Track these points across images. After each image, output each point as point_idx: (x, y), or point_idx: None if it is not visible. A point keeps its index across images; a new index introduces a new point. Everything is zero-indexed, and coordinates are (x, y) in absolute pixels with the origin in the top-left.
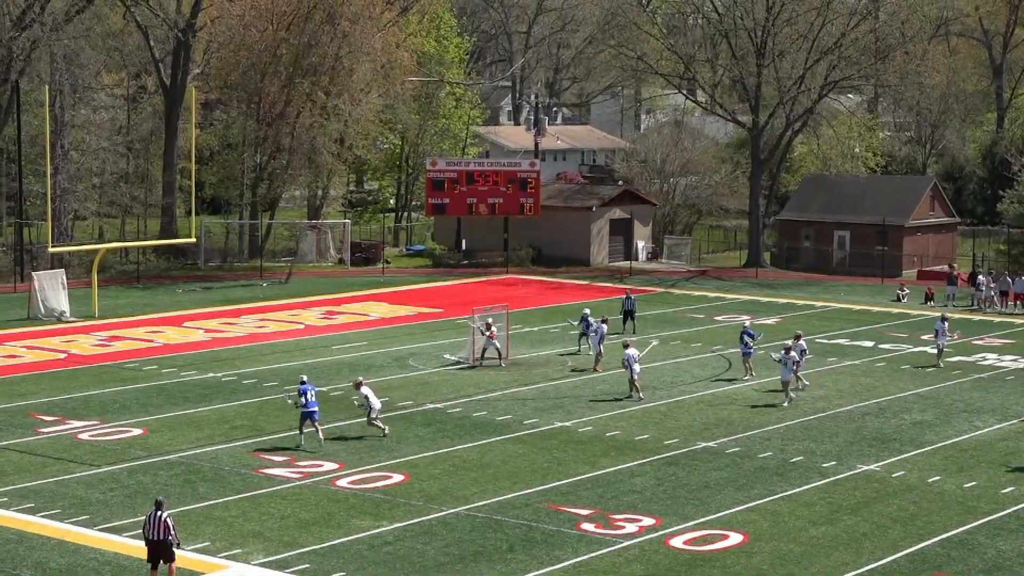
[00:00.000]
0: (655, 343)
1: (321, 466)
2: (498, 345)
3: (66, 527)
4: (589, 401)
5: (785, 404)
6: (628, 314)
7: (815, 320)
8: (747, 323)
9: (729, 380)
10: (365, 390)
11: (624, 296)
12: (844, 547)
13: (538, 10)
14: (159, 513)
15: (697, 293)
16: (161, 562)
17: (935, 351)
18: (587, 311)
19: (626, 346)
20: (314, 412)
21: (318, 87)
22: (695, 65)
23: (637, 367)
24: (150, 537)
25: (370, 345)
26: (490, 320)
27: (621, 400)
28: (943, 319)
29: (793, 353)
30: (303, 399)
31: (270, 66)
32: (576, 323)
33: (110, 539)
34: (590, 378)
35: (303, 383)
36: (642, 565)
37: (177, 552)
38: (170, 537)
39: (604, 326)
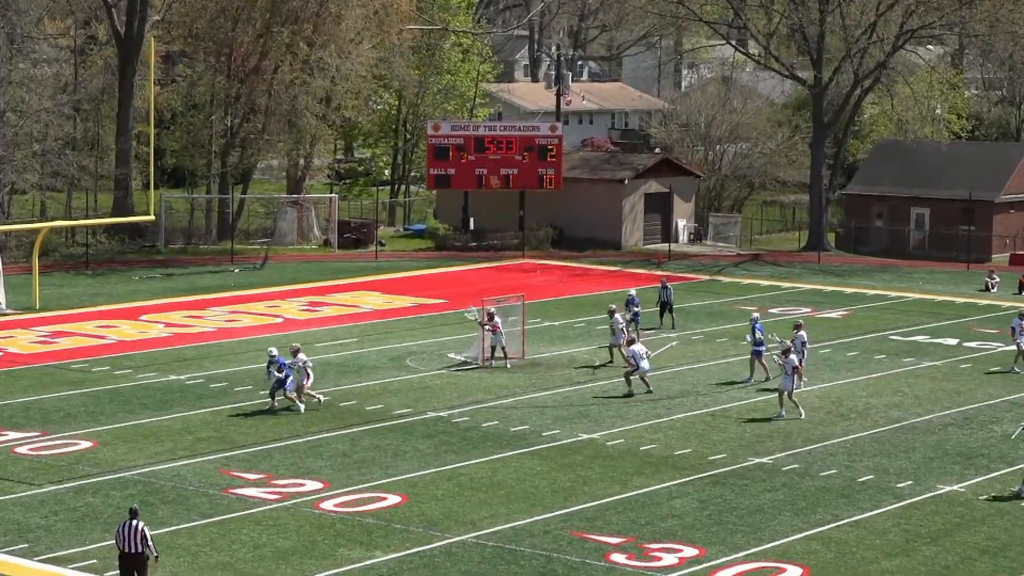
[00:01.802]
0: (675, 343)
1: (303, 485)
2: (503, 342)
3: (1, 558)
4: (620, 403)
5: (782, 414)
6: (665, 306)
7: (888, 314)
8: (756, 316)
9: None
10: (303, 356)
11: (660, 285)
12: None
13: None
14: (135, 522)
15: (748, 281)
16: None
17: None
18: (632, 292)
19: (631, 342)
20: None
21: (299, 37)
22: (746, 11)
23: (645, 364)
24: (125, 550)
25: (361, 342)
26: (492, 310)
27: (630, 398)
28: (1021, 316)
29: (793, 356)
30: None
31: (243, 12)
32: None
33: (53, 572)
34: (614, 383)
35: (274, 356)
36: None
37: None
38: (147, 549)
39: (618, 317)
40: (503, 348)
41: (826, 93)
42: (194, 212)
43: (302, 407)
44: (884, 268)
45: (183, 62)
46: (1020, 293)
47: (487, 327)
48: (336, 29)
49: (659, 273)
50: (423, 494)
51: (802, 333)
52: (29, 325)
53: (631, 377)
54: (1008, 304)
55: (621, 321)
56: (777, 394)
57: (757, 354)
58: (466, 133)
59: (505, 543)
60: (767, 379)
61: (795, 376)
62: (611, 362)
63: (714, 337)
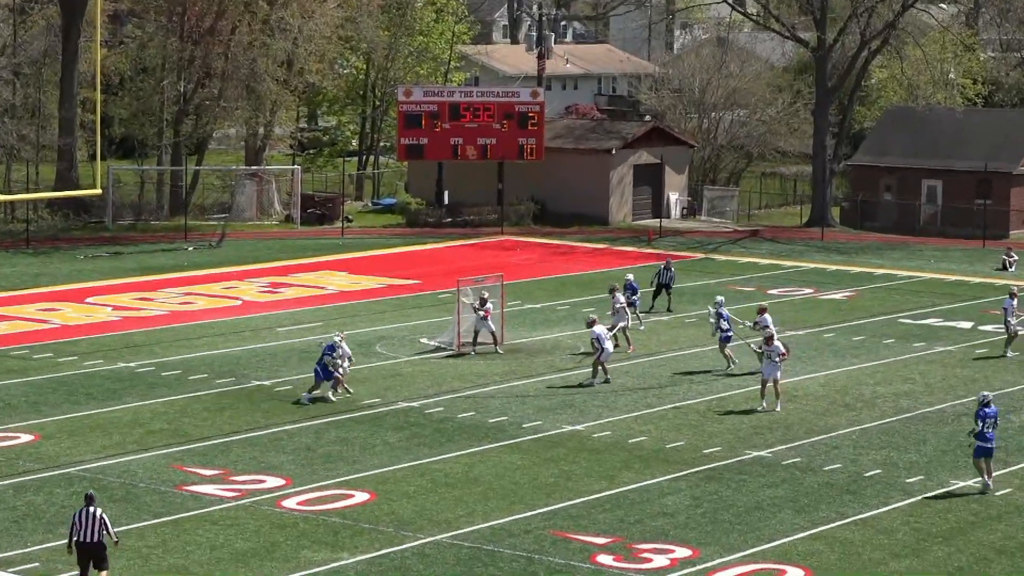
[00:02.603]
0: (642, 327)
1: (263, 482)
2: (493, 327)
3: None
4: (607, 392)
5: (761, 407)
6: (662, 288)
7: (897, 295)
8: (720, 300)
9: (786, 370)
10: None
11: (662, 266)
12: None
13: None
14: (91, 509)
15: (746, 260)
16: (92, 568)
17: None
18: (630, 276)
19: (591, 323)
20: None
21: None
22: None
23: (609, 346)
24: (84, 540)
25: (327, 326)
26: (486, 295)
27: (584, 387)
28: (1012, 295)
29: (778, 343)
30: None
31: None
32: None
33: None
34: (613, 367)
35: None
36: None
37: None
38: (105, 537)
39: (620, 296)
40: (492, 333)
41: (830, 56)
42: (144, 185)
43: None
44: (893, 245)
45: (132, 22)
46: None
47: (480, 312)
48: None
49: (651, 250)
50: (393, 491)
51: (767, 317)
52: None
53: (601, 364)
54: None
55: (622, 300)
56: (760, 385)
57: (725, 341)
58: (440, 99)
59: (483, 544)
60: (730, 367)
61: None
62: (617, 346)
63: (709, 320)
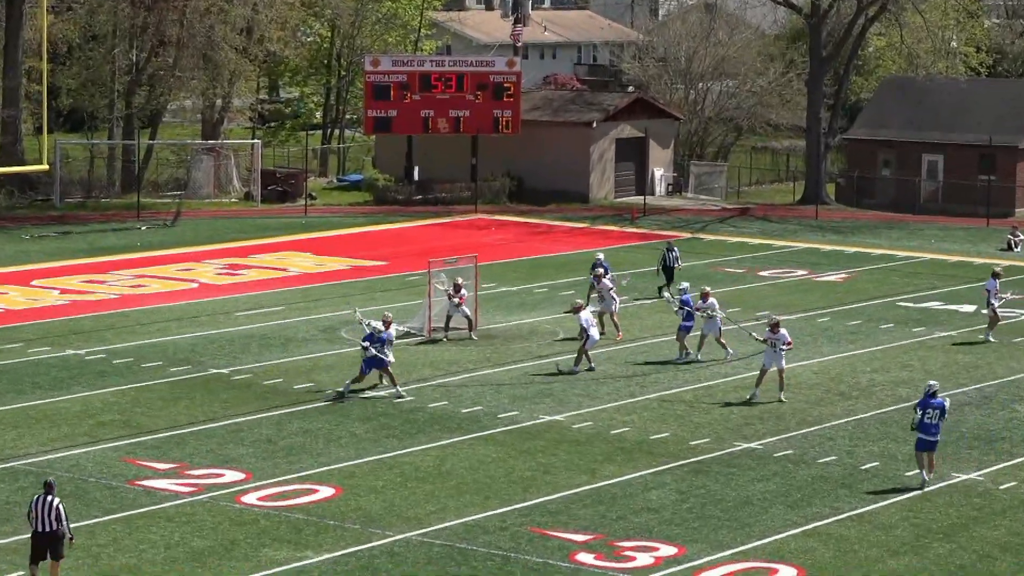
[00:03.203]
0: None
1: (221, 476)
2: (468, 312)
3: None
4: (588, 380)
5: (754, 395)
6: (668, 273)
7: (896, 276)
8: (685, 286)
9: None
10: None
11: (665, 248)
12: None
13: None
14: (49, 498)
15: (735, 239)
16: (48, 557)
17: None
18: (600, 256)
19: (577, 309)
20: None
21: None
22: None
23: (595, 333)
24: (39, 528)
25: (289, 311)
26: (460, 280)
27: (563, 373)
28: (995, 276)
29: (783, 331)
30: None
31: None
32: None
33: None
34: (596, 352)
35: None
36: None
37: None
38: (61, 527)
39: (607, 281)
40: (468, 319)
41: (825, 22)
42: (94, 161)
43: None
44: (891, 224)
45: None
46: None
47: (455, 300)
48: None
49: (632, 230)
50: (360, 486)
51: (712, 300)
52: None
53: (585, 352)
54: None
55: (611, 284)
56: (759, 373)
57: (685, 330)
58: (410, 69)
59: (456, 541)
60: (688, 355)
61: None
62: (603, 333)
63: (672, 308)
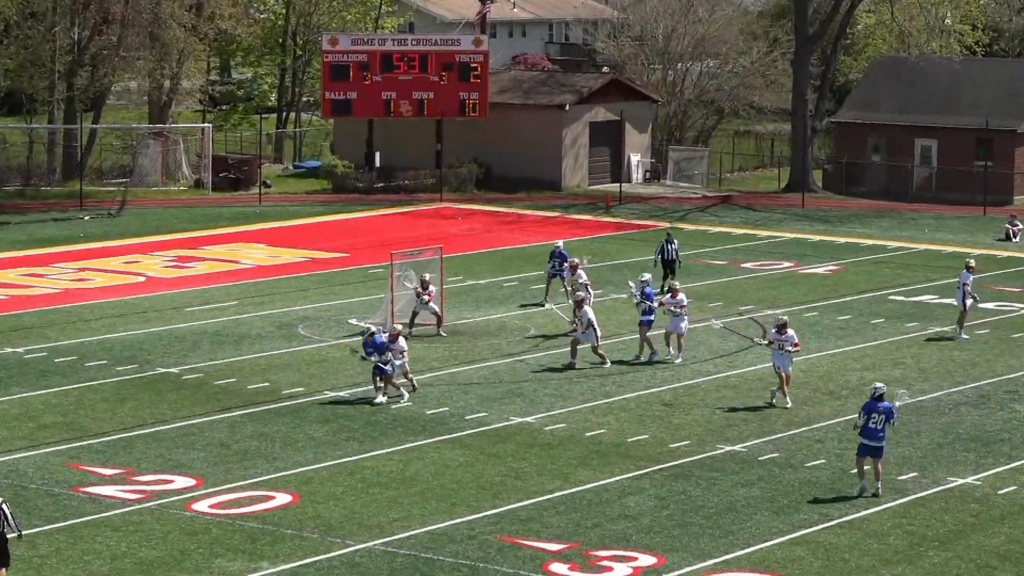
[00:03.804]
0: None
1: (171, 482)
2: (436, 308)
3: None
4: (561, 379)
5: (774, 401)
6: (670, 265)
7: (888, 268)
8: (646, 278)
9: (763, 354)
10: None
11: (664, 240)
12: None
13: None
14: None
15: (716, 229)
16: None
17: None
18: (559, 243)
19: (580, 302)
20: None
21: None
22: None
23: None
24: None
25: (242, 306)
26: (428, 276)
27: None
28: (968, 268)
29: (791, 332)
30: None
31: None
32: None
33: None
34: (564, 350)
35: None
36: None
37: None
38: (7, 528)
39: (582, 273)
40: (436, 315)
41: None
42: (33, 146)
43: (406, 394)
44: (882, 213)
45: None
46: None
47: (423, 296)
48: None
49: (607, 219)
50: (319, 492)
51: (682, 297)
52: None
53: (578, 347)
54: None
55: (584, 277)
56: (778, 380)
57: (646, 324)
58: (370, 48)
59: (420, 551)
60: (653, 355)
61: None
62: (575, 330)
63: (632, 297)
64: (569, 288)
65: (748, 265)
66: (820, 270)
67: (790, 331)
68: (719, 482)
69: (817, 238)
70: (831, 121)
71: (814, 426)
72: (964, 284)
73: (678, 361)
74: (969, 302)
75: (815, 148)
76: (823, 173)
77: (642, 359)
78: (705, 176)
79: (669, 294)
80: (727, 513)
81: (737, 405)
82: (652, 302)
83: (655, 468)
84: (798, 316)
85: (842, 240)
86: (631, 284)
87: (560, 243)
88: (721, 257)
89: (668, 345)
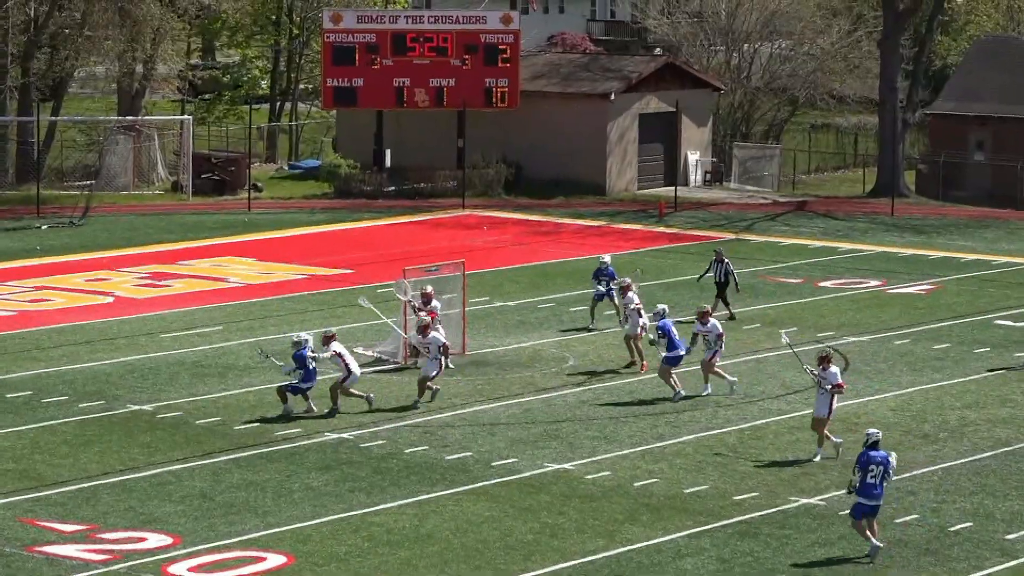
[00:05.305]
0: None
1: (143, 540)
2: (441, 334)
3: None
4: (607, 419)
5: (819, 456)
6: (722, 288)
7: (993, 288)
8: (662, 310)
9: (845, 389)
10: (336, 346)
11: (714, 258)
12: None
13: None
14: None
15: (790, 241)
16: None
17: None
18: (606, 258)
19: (662, 314)
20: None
21: None
22: None
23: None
24: None
25: (227, 332)
26: (430, 289)
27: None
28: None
29: (834, 368)
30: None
31: None
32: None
33: None
34: (615, 385)
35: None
36: None
37: None
38: None
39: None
40: (441, 348)
41: None
42: None
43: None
44: (986, 222)
45: None
46: None
47: (423, 312)
48: None
49: (660, 230)
50: (318, 552)
51: (714, 323)
52: None
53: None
54: None
55: (636, 300)
56: (816, 424)
57: (669, 362)
58: (379, 27)
59: None
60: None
61: (832, 399)
62: (632, 363)
63: (740, 323)
64: (622, 313)
65: (827, 284)
66: (913, 290)
67: (833, 367)
68: (793, 541)
69: (909, 252)
70: (926, 113)
71: (905, 475)
72: None
73: (706, 393)
74: None
75: (907, 145)
76: (916, 175)
77: (678, 397)
78: (776, 178)
79: (699, 322)
80: None
81: (814, 450)
82: (671, 333)
83: (717, 525)
84: (886, 344)
85: (939, 254)
86: (641, 321)
87: (606, 258)
88: (795, 274)
89: (705, 378)
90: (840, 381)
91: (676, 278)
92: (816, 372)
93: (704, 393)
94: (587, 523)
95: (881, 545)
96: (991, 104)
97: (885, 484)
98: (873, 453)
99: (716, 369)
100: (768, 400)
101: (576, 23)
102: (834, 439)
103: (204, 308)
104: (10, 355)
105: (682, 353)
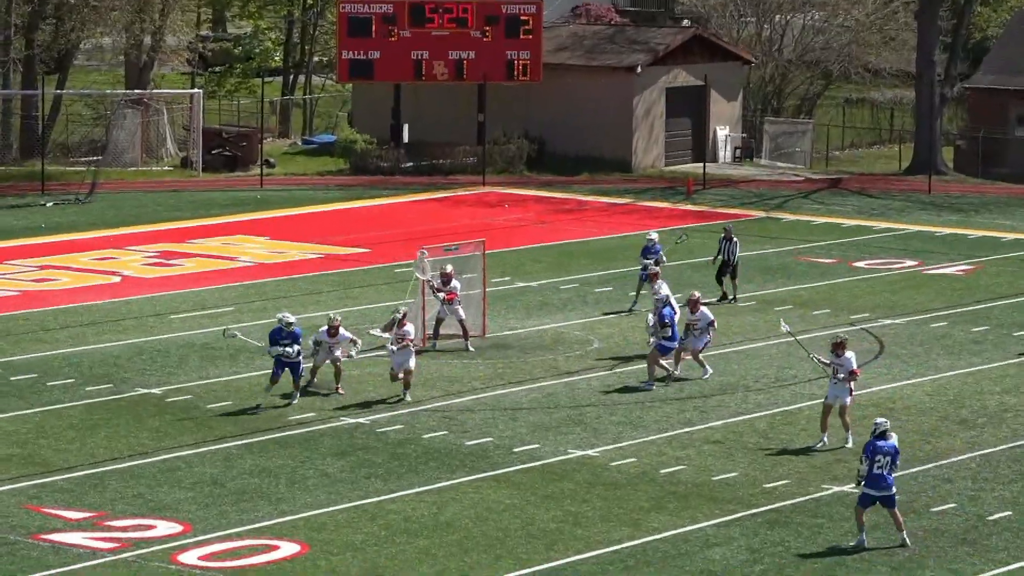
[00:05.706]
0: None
1: (152, 528)
2: (462, 315)
3: None
4: (631, 402)
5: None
6: (726, 267)
7: None
8: (663, 296)
9: (880, 373)
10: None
11: (721, 235)
12: None
13: None
14: None
15: (823, 220)
16: None
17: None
18: (654, 235)
19: (695, 301)
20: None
21: None
22: None
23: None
24: None
25: (240, 312)
26: (450, 269)
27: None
28: None
29: (849, 354)
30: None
31: None
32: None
33: None
34: (641, 368)
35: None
36: None
37: None
38: None
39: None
40: (462, 323)
41: None
42: None
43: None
44: None
45: None
46: None
47: (441, 295)
48: None
49: (688, 207)
50: (333, 541)
51: (704, 312)
52: None
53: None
54: None
55: (665, 289)
56: (822, 409)
57: (663, 351)
58: None
59: None
60: (668, 373)
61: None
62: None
63: (771, 304)
64: (638, 299)
65: (861, 264)
66: (950, 270)
67: (849, 353)
68: (825, 530)
69: (947, 231)
70: (965, 87)
71: (942, 462)
72: None
73: (705, 376)
74: None
75: (945, 120)
76: (955, 151)
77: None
78: (809, 155)
79: (688, 307)
80: (834, 568)
81: (844, 436)
82: (670, 322)
83: (746, 513)
84: (923, 327)
85: (978, 233)
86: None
87: (654, 235)
88: (828, 254)
89: (675, 361)
90: (855, 367)
91: (704, 257)
92: (826, 360)
93: (704, 377)
94: (612, 511)
95: (865, 541)
96: None
97: (894, 473)
98: (880, 443)
99: (700, 357)
100: (800, 384)
101: None
102: (824, 437)
103: (215, 288)
104: (14, 336)
105: (675, 346)
